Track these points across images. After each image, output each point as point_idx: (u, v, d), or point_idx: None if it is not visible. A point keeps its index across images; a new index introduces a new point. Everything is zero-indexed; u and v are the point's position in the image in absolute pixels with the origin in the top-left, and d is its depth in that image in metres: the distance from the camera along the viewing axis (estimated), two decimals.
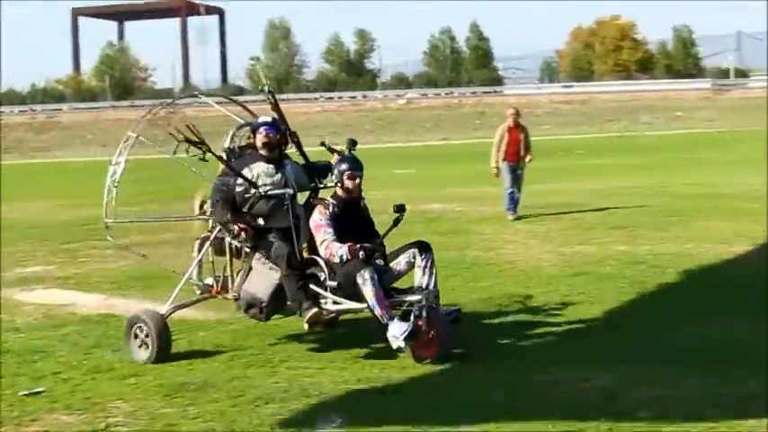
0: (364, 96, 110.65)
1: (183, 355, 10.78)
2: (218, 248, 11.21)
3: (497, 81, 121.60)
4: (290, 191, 10.89)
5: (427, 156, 51.42)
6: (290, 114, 11.92)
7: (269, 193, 10.79)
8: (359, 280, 10.08)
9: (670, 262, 15.55)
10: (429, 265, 10.45)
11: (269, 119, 11.21)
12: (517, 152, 22.13)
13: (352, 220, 10.64)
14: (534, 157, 22.53)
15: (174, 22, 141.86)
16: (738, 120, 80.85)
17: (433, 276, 10.46)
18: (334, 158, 11.20)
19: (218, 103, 12.95)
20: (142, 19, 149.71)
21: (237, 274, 11.07)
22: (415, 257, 10.48)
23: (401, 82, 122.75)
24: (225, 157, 11.20)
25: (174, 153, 10.88)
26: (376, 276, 10.10)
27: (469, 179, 32.60)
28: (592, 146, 57.27)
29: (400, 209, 10.65)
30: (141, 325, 10.68)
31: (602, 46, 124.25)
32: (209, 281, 11.36)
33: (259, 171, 10.88)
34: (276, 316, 10.96)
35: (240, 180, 10.81)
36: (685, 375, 9.10)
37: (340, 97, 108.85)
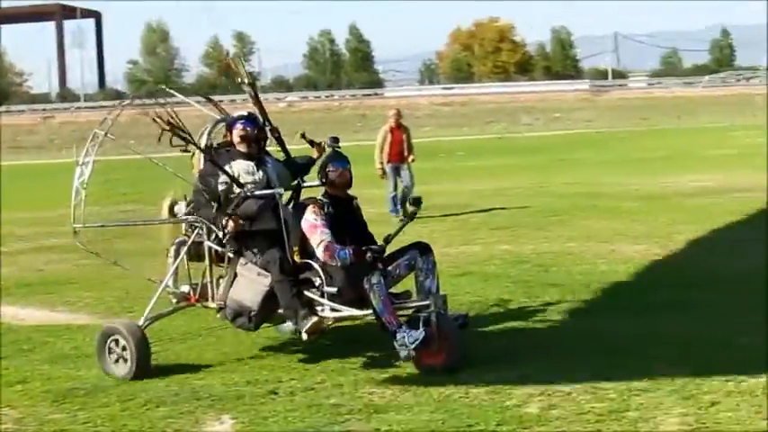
0: (244, 100, 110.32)
1: (70, 361, 10.68)
2: (194, 254, 10.54)
3: (377, 83, 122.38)
4: (281, 190, 10.27)
5: None
6: None
7: (257, 192, 10.14)
8: (365, 285, 9.42)
9: (553, 261, 15.81)
10: (431, 267, 9.97)
11: (245, 113, 10.70)
12: (400, 152, 22.32)
13: (346, 220, 10.10)
14: (416, 157, 22.73)
15: (50, 26, 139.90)
16: (616, 120, 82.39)
17: (437, 279, 10.01)
18: (315, 152, 10.91)
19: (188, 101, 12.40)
20: (17, 22, 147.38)
21: (218, 281, 10.47)
22: (416, 260, 9.95)
23: (281, 85, 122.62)
24: (203, 155, 10.51)
25: (159, 141, 10.13)
26: (383, 281, 9.52)
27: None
28: (472, 147, 57.79)
29: (416, 202, 10.24)
30: (117, 338, 9.97)
31: (481, 48, 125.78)
32: (185, 288, 10.70)
33: (239, 169, 10.29)
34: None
35: (222, 179, 10.16)
36: (571, 370, 9.23)
37: (220, 101, 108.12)
